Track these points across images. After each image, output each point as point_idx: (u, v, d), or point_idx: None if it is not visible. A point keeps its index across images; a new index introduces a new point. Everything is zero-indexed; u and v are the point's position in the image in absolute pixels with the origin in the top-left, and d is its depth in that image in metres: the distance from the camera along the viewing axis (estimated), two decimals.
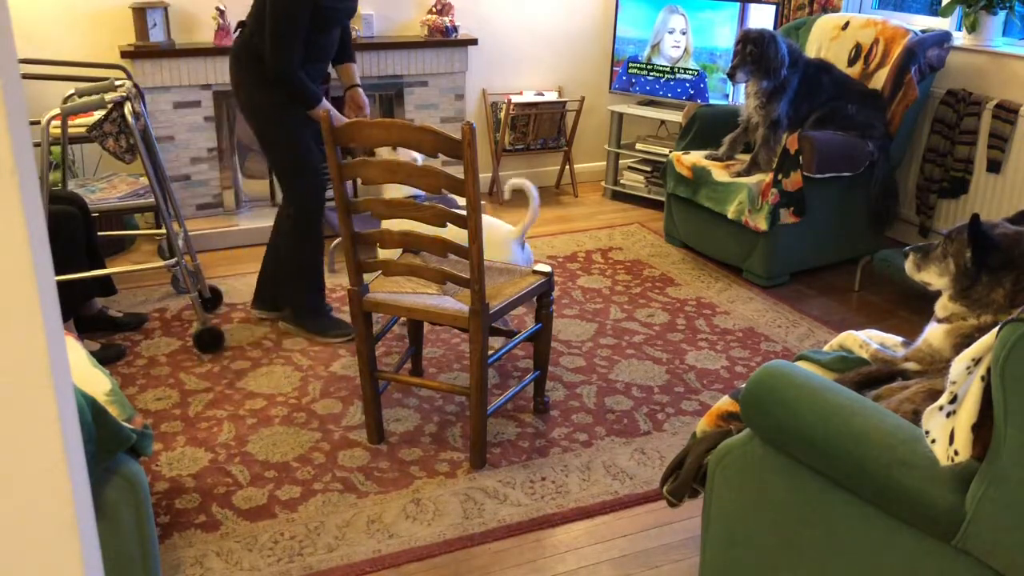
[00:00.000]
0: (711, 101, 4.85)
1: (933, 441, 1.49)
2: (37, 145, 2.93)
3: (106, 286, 3.44)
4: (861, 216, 4.07)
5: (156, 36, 4.22)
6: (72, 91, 3.38)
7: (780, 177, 3.82)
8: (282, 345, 3.40)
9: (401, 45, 4.69)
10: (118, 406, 1.89)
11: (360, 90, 3.55)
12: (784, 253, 3.97)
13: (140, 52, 4.18)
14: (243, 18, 3.29)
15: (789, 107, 4.00)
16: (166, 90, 4.29)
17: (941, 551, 1.50)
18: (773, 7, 4.72)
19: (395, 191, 3.18)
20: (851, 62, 4.21)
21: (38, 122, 3.04)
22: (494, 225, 3.18)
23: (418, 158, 3.21)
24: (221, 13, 4.33)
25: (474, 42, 4.84)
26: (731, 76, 4.03)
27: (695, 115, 4.44)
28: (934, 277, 1.92)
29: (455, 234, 2.52)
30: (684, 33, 4.92)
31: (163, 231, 3.48)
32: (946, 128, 4.12)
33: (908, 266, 1.99)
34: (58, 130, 3.19)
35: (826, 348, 2.20)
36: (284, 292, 3.48)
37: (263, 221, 4.55)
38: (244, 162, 4.74)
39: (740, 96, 4.58)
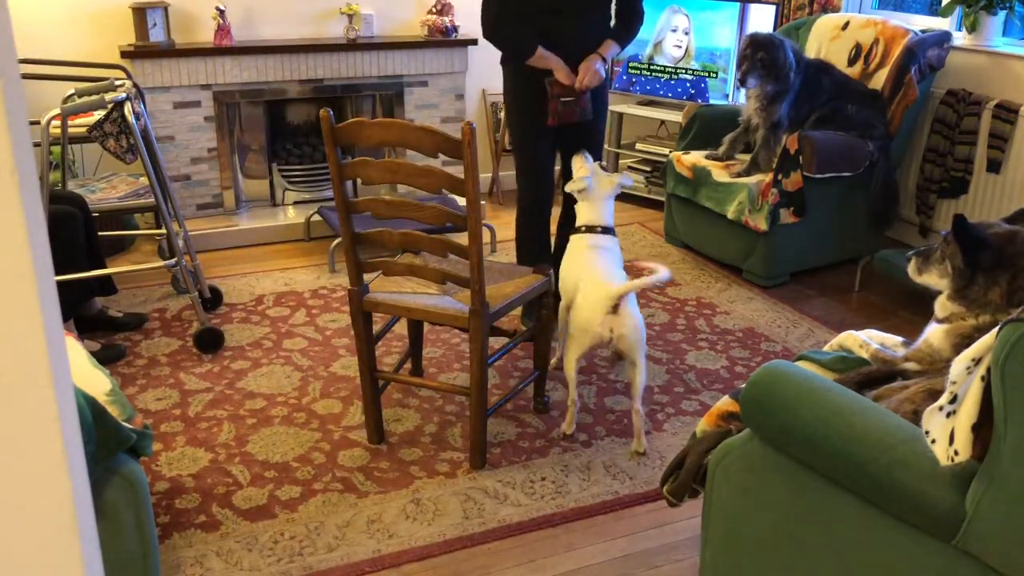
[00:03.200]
0: (711, 101, 4.85)
1: (933, 441, 1.49)
2: (37, 145, 2.93)
3: (106, 286, 3.44)
4: (861, 216, 4.07)
5: (156, 36, 4.22)
6: (72, 91, 3.38)
7: (780, 177, 3.82)
8: (282, 345, 3.40)
9: (401, 45, 4.69)
10: (118, 406, 1.89)
11: (594, 59, 3.19)
12: (784, 253, 3.97)
13: (140, 52, 4.18)
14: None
15: (790, 109, 3.99)
16: (166, 90, 4.29)
17: (941, 551, 1.50)
18: (773, 7, 4.71)
19: None
20: (851, 62, 4.21)
21: (38, 122, 3.04)
22: (592, 278, 2.75)
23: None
24: (221, 13, 4.33)
25: (474, 42, 4.83)
26: (742, 82, 3.98)
27: (695, 115, 4.44)
28: (935, 279, 1.93)
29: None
30: (687, 33, 4.92)
31: (163, 231, 3.48)
32: (946, 128, 4.12)
33: (911, 270, 2.00)
34: (58, 130, 3.19)
35: (826, 348, 2.20)
36: None
37: (263, 221, 4.55)
38: (244, 162, 4.74)
39: (740, 96, 4.57)
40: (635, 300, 2.70)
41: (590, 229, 2.96)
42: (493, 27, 3.18)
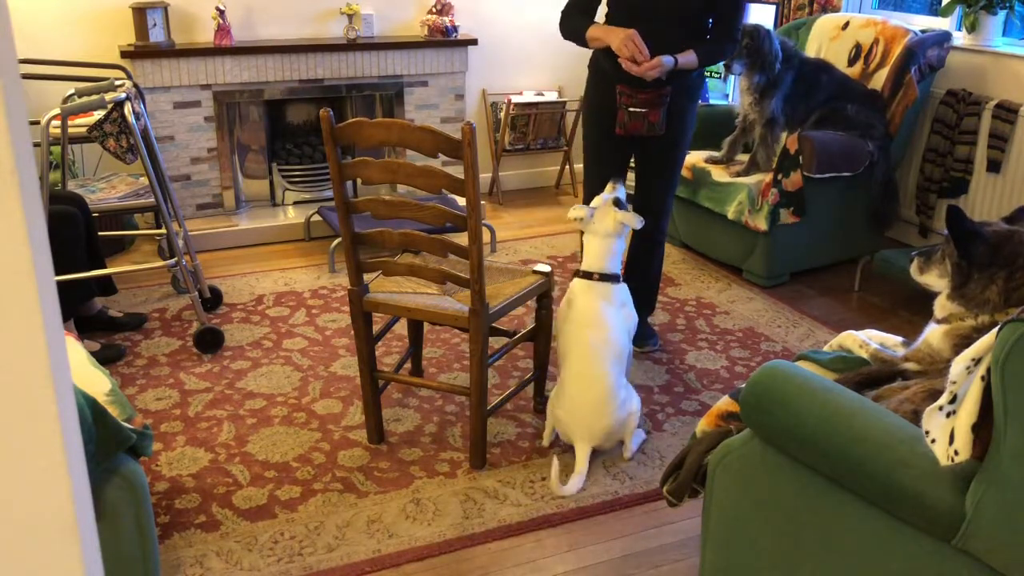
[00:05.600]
0: (711, 101, 4.84)
1: (933, 441, 1.49)
2: (37, 145, 2.93)
3: (106, 286, 3.44)
4: (861, 216, 4.07)
5: (156, 36, 4.22)
6: (72, 91, 3.39)
7: (780, 177, 3.82)
8: (282, 345, 3.40)
9: (401, 45, 4.69)
10: (118, 406, 1.90)
11: (664, 56, 2.89)
12: (784, 253, 3.97)
13: (140, 52, 4.18)
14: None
15: (784, 104, 3.99)
16: (166, 90, 4.29)
17: (941, 551, 1.50)
18: (773, 7, 4.71)
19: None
20: (851, 62, 4.21)
21: (38, 122, 3.04)
22: (579, 360, 2.56)
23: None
24: (221, 13, 4.33)
25: (474, 42, 4.84)
26: (727, 67, 4.03)
27: None
28: (934, 279, 1.93)
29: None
30: None
31: (163, 231, 3.48)
32: (946, 128, 4.12)
33: (912, 270, 2.00)
34: (58, 130, 3.19)
35: (826, 348, 2.20)
36: None
37: (263, 221, 4.55)
38: (244, 162, 4.74)
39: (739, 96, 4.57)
40: (624, 382, 2.61)
41: (587, 275, 2.64)
42: (561, 22, 3.09)
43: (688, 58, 2.96)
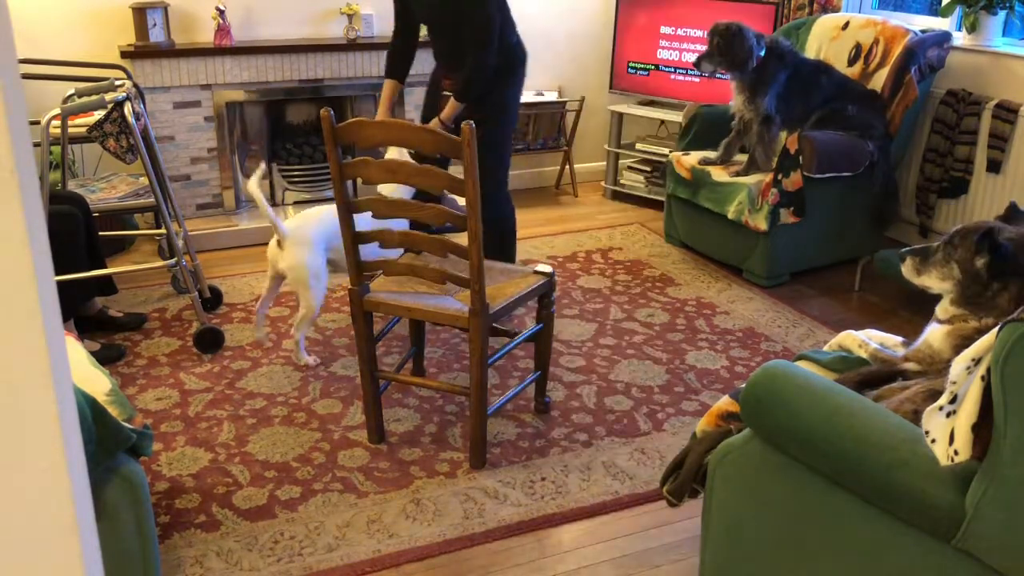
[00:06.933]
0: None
1: (933, 441, 1.49)
2: (37, 145, 2.93)
3: (106, 286, 3.44)
4: (861, 216, 4.07)
5: (156, 36, 4.22)
6: (72, 91, 3.39)
7: (780, 177, 3.82)
8: (282, 345, 3.40)
9: None
10: (118, 406, 1.90)
11: (434, 124, 3.37)
12: (784, 253, 3.97)
13: (140, 52, 4.18)
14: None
15: (778, 102, 3.99)
16: (166, 90, 4.29)
17: (941, 551, 1.50)
18: (773, 7, 4.71)
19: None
20: (851, 62, 4.21)
21: (38, 122, 3.04)
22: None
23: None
24: (221, 13, 4.33)
25: None
26: (696, 66, 4.06)
27: (695, 115, 4.43)
28: (935, 281, 1.92)
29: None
30: None
31: (163, 231, 3.48)
32: (946, 128, 4.12)
33: (906, 270, 1.99)
34: (58, 130, 3.20)
35: (825, 348, 2.20)
36: None
37: (263, 221, 4.54)
38: (244, 162, 4.74)
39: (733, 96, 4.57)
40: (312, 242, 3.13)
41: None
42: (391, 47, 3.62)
43: (455, 112, 3.32)
